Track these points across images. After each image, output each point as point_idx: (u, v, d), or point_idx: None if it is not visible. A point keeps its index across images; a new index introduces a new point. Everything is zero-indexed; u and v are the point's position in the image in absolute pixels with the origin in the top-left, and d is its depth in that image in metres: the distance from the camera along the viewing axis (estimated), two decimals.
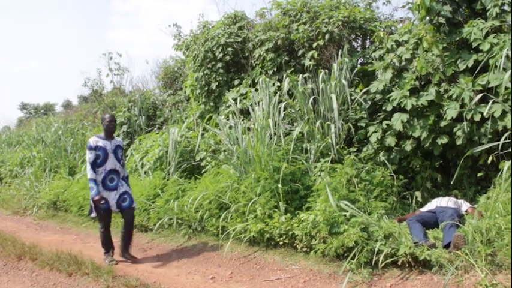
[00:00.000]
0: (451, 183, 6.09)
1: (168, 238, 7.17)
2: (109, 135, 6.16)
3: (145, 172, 9.32)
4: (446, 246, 4.71)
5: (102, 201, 5.90)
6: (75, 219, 9.46)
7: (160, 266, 5.94)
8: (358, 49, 8.87)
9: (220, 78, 9.50)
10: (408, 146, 6.46)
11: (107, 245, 6.18)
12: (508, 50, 5.17)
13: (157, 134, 10.72)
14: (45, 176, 12.32)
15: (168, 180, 8.49)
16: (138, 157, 9.89)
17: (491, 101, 5.23)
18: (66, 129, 14.53)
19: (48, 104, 36.87)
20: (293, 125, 7.67)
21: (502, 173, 4.92)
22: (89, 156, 5.92)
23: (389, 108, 6.65)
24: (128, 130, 12.34)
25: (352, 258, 4.89)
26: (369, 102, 7.28)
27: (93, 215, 6.05)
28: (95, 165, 5.94)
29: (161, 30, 28.34)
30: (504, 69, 5.15)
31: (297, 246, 5.62)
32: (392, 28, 8.59)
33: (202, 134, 9.01)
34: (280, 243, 5.83)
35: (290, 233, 5.71)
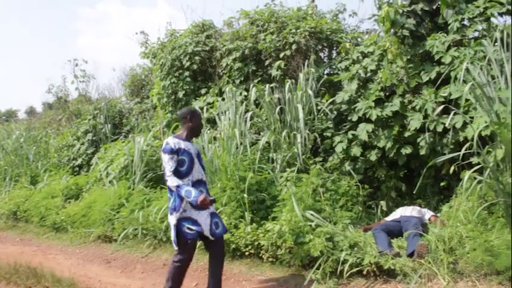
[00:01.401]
0: (414, 192, 6.18)
1: (133, 249, 7.03)
2: (192, 136, 4.68)
3: (110, 181, 9.12)
4: (410, 255, 4.77)
5: (209, 206, 4.37)
6: (36, 230, 9.19)
7: (124, 277, 5.82)
8: (325, 60, 8.97)
9: (187, 87, 9.44)
10: (373, 156, 6.55)
11: (177, 285, 4.52)
12: (467, 63, 5.30)
13: (123, 142, 10.54)
14: (5, 185, 11.96)
15: (133, 189, 8.35)
16: (103, 166, 9.70)
17: (452, 113, 5.34)
18: (28, 137, 14.18)
19: (10, 111, 35.89)
20: (260, 134, 7.68)
21: (463, 182, 5.01)
22: (170, 163, 4.25)
23: (354, 118, 6.74)
24: (93, 138, 12.13)
25: (318, 268, 4.91)
26: (335, 112, 7.34)
27: (174, 245, 4.38)
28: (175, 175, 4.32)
29: (128, 37, 28.03)
30: (464, 81, 5.28)
31: (263, 256, 5.59)
32: (359, 39, 8.73)
33: None
34: (246, 253, 5.79)
35: (256, 243, 5.68)
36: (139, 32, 12.15)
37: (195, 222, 4.27)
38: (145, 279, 5.71)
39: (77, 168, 11.85)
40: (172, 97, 9.65)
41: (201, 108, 8.50)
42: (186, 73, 9.47)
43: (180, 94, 9.46)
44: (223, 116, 7.61)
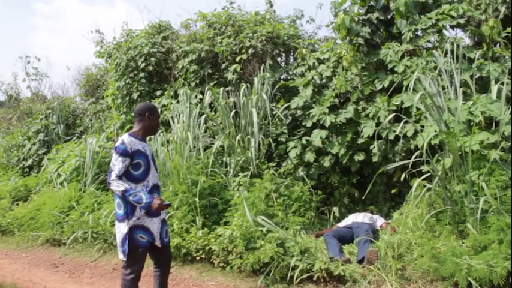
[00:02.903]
0: (363, 198, 6.23)
1: (82, 253, 6.86)
2: (148, 135, 4.09)
3: (60, 183, 8.92)
4: (360, 261, 4.80)
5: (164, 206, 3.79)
6: None
7: (71, 282, 5.66)
8: (282, 65, 8.99)
9: (142, 88, 9.31)
10: (327, 162, 6.58)
11: None
12: (419, 73, 5.40)
13: (75, 143, 10.31)
14: None
15: (84, 192, 8.19)
16: (54, 167, 9.45)
17: (403, 121, 5.42)
18: None
19: None
20: (214, 138, 7.62)
21: (412, 190, 5.09)
22: (120, 166, 3.65)
23: (309, 124, 6.77)
24: (45, 138, 11.85)
25: (268, 274, 4.89)
26: (290, 117, 7.37)
27: (122, 256, 3.79)
28: (122, 178, 3.71)
29: (83, 36, 27.43)
30: (415, 90, 5.38)
31: (214, 261, 5.53)
32: (315, 46, 8.79)
33: None
34: (197, 258, 5.71)
35: (207, 248, 5.62)
36: (94, 30, 11.92)
37: (147, 230, 3.79)
38: (93, 284, 5.57)
39: (27, 169, 11.55)
40: (127, 98, 9.49)
41: None
42: (142, 74, 9.34)
43: (135, 95, 9.32)
44: (177, 118, 7.51)
